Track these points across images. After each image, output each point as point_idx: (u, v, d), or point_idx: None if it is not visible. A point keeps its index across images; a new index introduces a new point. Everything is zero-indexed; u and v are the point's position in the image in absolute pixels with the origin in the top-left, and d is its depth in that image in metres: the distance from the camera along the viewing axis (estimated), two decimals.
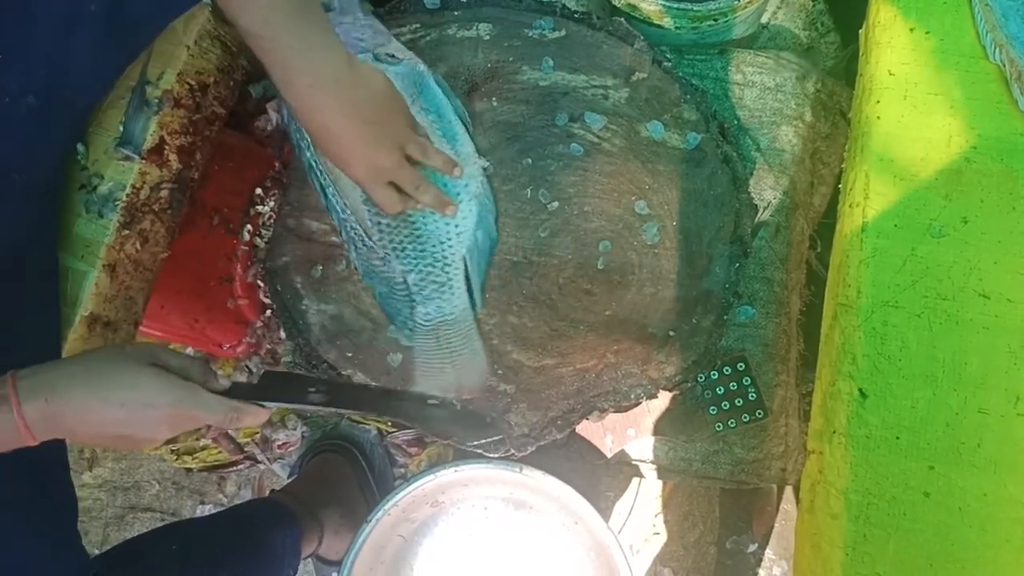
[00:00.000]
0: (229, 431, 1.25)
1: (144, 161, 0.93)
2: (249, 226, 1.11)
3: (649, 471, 1.13)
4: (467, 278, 0.94)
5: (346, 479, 1.20)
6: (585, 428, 1.11)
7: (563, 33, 1.01)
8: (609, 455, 1.13)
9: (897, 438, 0.85)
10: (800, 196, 1.13)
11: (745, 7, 1.08)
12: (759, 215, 1.09)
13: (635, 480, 1.23)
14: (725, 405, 1.07)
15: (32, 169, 0.83)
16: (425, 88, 0.95)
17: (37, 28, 0.78)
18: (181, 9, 0.92)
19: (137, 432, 0.69)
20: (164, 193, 0.96)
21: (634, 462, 1.13)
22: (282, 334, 1.02)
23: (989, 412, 0.84)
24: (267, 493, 1.21)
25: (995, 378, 0.85)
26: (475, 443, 0.89)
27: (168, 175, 0.96)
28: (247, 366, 1.23)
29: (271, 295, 1.01)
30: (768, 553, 1.24)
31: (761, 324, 1.09)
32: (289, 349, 1.00)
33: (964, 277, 0.87)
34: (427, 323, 0.94)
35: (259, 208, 1.11)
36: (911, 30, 0.93)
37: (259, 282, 1.09)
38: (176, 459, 1.25)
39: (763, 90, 1.14)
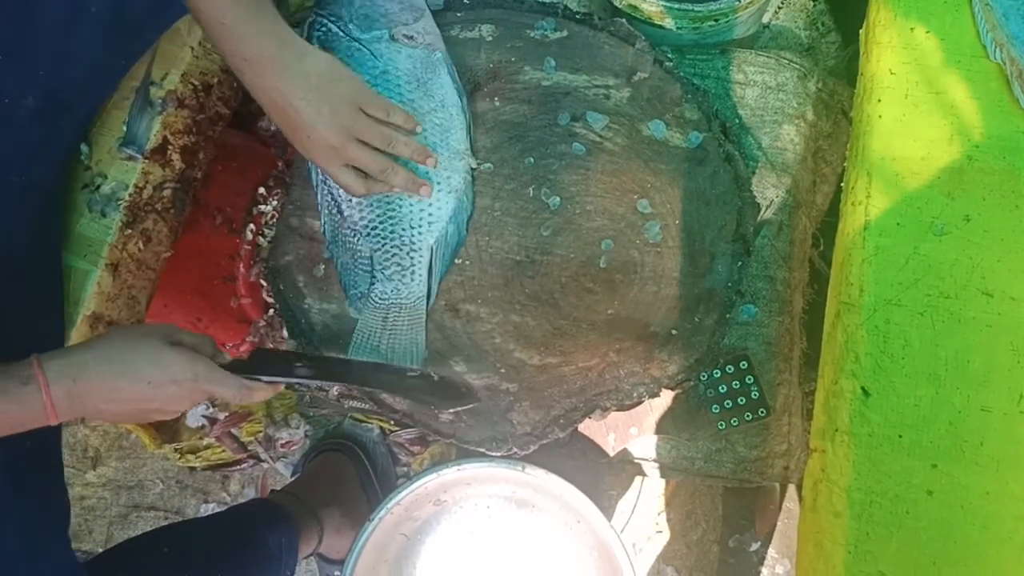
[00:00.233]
0: (231, 430, 1.25)
1: (147, 161, 0.93)
2: (252, 225, 1.12)
3: (652, 469, 1.14)
4: (430, 268, 0.95)
5: (348, 478, 1.20)
6: (587, 427, 1.11)
7: (565, 34, 1.02)
8: (612, 454, 1.13)
9: (900, 436, 0.85)
10: (802, 194, 1.13)
11: (746, 7, 1.08)
12: (761, 213, 1.09)
13: (638, 479, 1.23)
14: (728, 403, 1.07)
15: (32, 171, 0.83)
16: (435, 76, 0.95)
17: (36, 29, 0.79)
18: (183, 11, 0.92)
19: (162, 406, 0.72)
20: (167, 193, 0.96)
21: (637, 460, 1.13)
22: (285, 333, 1.02)
23: (992, 410, 0.84)
24: (270, 492, 1.21)
25: (998, 376, 0.85)
26: (451, 410, 0.93)
27: (171, 175, 0.96)
28: None
29: (274, 294, 1.01)
30: (771, 551, 1.24)
31: (764, 322, 1.09)
32: (292, 348, 1.01)
33: (967, 275, 0.87)
34: (381, 301, 0.94)
35: (262, 207, 1.11)
36: (911, 29, 0.94)
37: (262, 281, 1.09)
38: (180, 458, 1.25)
39: (765, 89, 1.14)
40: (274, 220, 1.08)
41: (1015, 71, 0.88)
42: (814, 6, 1.28)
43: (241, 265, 1.14)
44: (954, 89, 0.91)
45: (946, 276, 0.87)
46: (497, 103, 1.00)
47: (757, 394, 1.07)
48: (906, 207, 0.89)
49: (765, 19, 1.27)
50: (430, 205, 0.94)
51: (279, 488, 1.20)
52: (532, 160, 0.99)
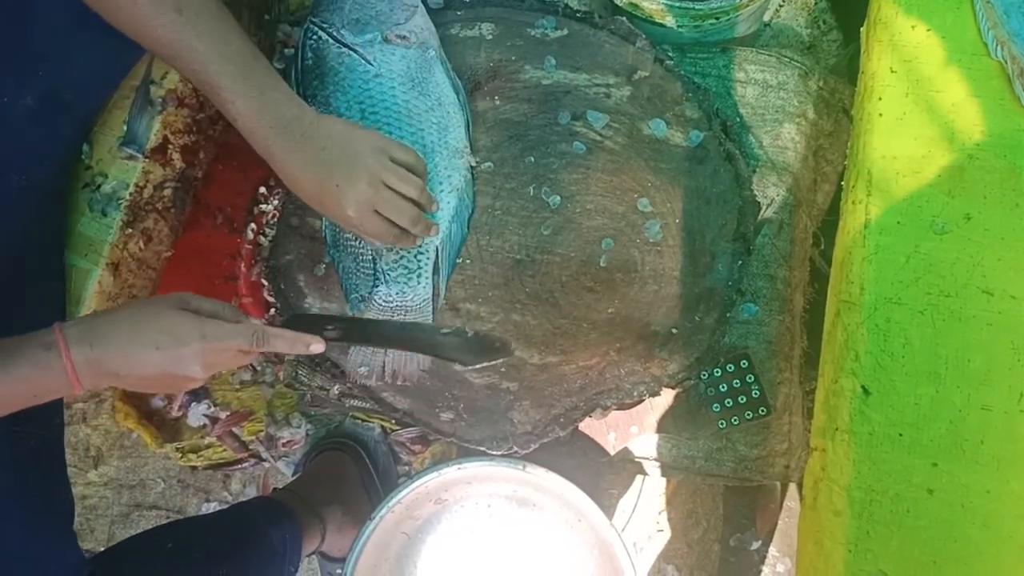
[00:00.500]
0: (232, 429, 1.25)
1: (148, 160, 0.93)
2: (253, 225, 1.12)
3: (652, 468, 1.14)
4: (435, 269, 0.94)
5: (349, 477, 1.20)
6: (588, 425, 1.12)
7: (565, 32, 1.02)
8: (612, 452, 1.13)
9: (900, 435, 0.85)
10: (803, 193, 1.13)
11: (747, 5, 1.08)
12: (762, 212, 1.09)
13: (638, 477, 1.23)
14: (728, 402, 1.07)
15: (32, 170, 0.83)
16: (430, 74, 0.95)
17: (36, 29, 0.79)
18: None
19: (174, 370, 0.73)
20: (168, 192, 0.96)
21: (637, 459, 1.13)
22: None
23: (992, 409, 0.84)
24: (271, 491, 1.21)
25: (998, 375, 0.85)
26: (485, 364, 0.91)
27: (172, 174, 0.96)
28: (251, 364, 1.24)
29: (275, 293, 1.01)
30: (772, 550, 1.24)
31: (764, 321, 1.09)
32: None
33: (967, 274, 0.87)
34: (386, 304, 0.94)
35: (263, 207, 1.11)
36: (912, 27, 0.93)
37: (263, 280, 1.09)
38: (181, 457, 1.25)
39: (765, 88, 1.14)
40: (275, 219, 1.08)
41: (1016, 69, 0.88)
42: (815, 4, 1.28)
43: (242, 264, 1.14)
44: (955, 87, 0.91)
45: (947, 274, 0.87)
46: (497, 102, 1.00)
47: (758, 393, 1.07)
48: (907, 205, 0.89)
49: (766, 17, 1.27)
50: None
51: (281, 487, 1.20)
52: (532, 159, 0.99)
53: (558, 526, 1.13)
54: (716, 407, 1.08)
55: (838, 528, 0.85)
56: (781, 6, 1.28)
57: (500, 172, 0.99)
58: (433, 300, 0.95)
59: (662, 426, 1.11)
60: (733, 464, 1.10)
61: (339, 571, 1.11)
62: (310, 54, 0.95)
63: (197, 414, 1.24)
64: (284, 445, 1.27)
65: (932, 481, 0.84)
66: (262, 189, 1.12)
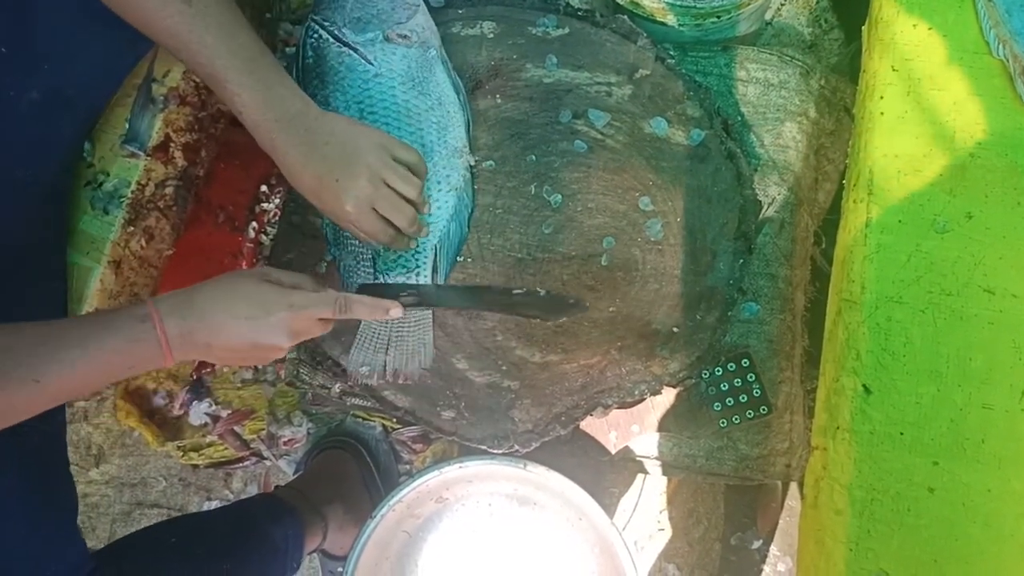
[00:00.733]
0: (234, 427, 1.25)
1: (149, 158, 0.93)
2: (254, 223, 1.12)
3: (653, 467, 1.14)
4: (434, 268, 0.95)
5: (351, 475, 1.20)
6: (589, 424, 1.12)
7: (566, 31, 1.02)
8: (613, 451, 1.13)
9: (901, 434, 0.85)
10: (804, 192, 1.13)
11: (748, 4, 1.08)
12: (763, 211, 1.09)
13: (639, 476, 1.23)
14: (729, 401, 1.07)
15: (37, 166, 0.83)
16: (431, 74, 0.95)
17: (39, 25, 0.79)
18: None
19: (261, 339, 0.75)
20: (169, 190, 0.96)
21: (638, 458, 1.13)
22: None
23: (993, 408, 0.84)
24: (273, 489, 1.21)
25: (999, 374, 0.85)
26: (561, 319, 0.94)
27: (173, 172, 0.97)
28: None
29: None
30: (773, 549, 1.24)
31: (765, 320, 1.09)
32: (293, 345, 1.01)
33: (968, 272, 0.87)
34: None
35: (264, 205, 1.12)
36: (914, 26, 0.93)
37: None
38: (182, 455, 1.26)
39: (767, 87, 1.14)
40: (276, 218, 1.08)
41: (1017, 67, 0.88)
42: (817, 3, 1.28)
43: (243, 263, 1.15)
44: (956, 86, 0.91)
45: (948, 273, 0.87)
46: (498, 100, 1.00)
47: (759, 392, 1.07)
48: (908, 204, 0.89)
49: (767, 16, 1.27)
50: (429, 208, 0.94)
51: (282, 485, 1.20)
52: (534, 158, 0.99)
53: (559, 525, 1.13)
54: (717, 406, 1.08)
55: (839, 527, 0.85)
56: (782, 5, 1.27)
57: (501, 171, 0.99)
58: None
59: (663, 425, 1.11)
60: (734, 463, 1.10)
61: (340, 569, 1.11)
62: (311, 53, 0.95)
63: (198, 412, 1.25)
64: (285, 443, 1.27)
65: (933, 480, 0.84)
66: (263, 187, 1.12)
